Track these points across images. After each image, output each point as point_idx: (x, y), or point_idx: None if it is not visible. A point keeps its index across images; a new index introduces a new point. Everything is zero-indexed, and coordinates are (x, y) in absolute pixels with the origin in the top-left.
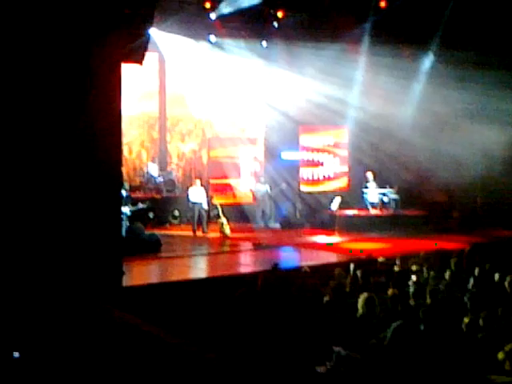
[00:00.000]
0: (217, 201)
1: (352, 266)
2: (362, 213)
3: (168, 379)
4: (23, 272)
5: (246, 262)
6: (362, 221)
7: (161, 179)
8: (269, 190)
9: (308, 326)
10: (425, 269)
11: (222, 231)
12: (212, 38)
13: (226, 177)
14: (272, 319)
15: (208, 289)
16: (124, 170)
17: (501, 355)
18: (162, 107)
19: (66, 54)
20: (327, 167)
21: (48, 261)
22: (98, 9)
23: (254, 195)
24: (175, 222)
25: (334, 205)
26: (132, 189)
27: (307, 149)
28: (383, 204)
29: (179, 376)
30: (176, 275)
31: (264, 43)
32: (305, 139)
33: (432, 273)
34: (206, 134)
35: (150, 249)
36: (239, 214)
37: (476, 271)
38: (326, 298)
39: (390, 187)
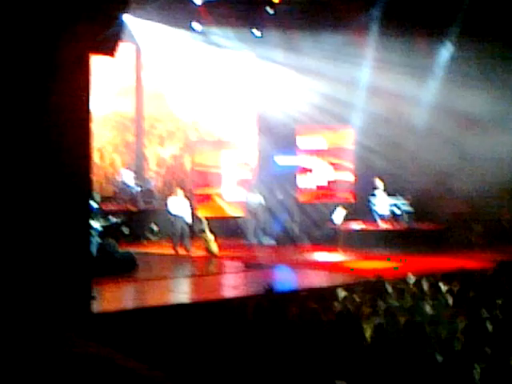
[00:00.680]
0: (202, 214)
1: (358, 288)
2: (370, 227)
3: None
4: None
5: (236, 285)
6: (369, 236)
7: (137, 189)
8: (262, 201)
9: (307, 357)
10: (443, 291)
11: (207, 249)
12: (196, 26)
13: (212, 186)
14: (265, 350)
15: (191, 316)
16: (94, 178)
17: None
18: (138, 106)
19: (24, 43)
20: (329, 173)
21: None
22: None
23: (245, 207)
24: (153, 238)
25: (338, 217)
26: (103, 200)
27: (306, 153)
28: (394, 216)
29: None
30: (154, 300)
31: (256, 32)
32: (303, 142)
33: (451, 296)
34: (190, 137)
35: (125, 269)
36: (228, 228)
37: (503, 294)
38: (328, 326)
39: (403, 197)
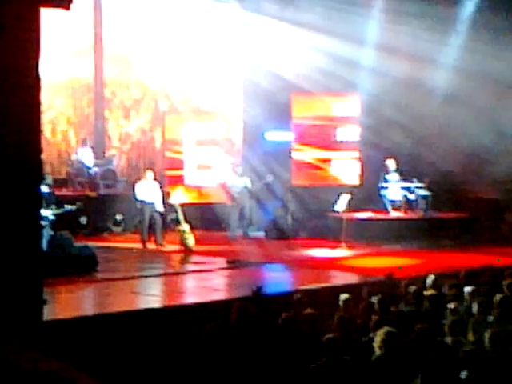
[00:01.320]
0: (176, 200)
1: (365, 290)
2: (380, 216)
3: None
4: None
5: (217, 286)
6: (379, 227)
7: (96, 170)
8: (249, 185)
9: (304, 373)
10: (467, 294)
11: (183, 242)
12: None
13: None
14: (252, 365)
15: (163, 323)
16: (44, 157)
17: None
18: (97, 69)
19: None
20: (330, 151)
21: None
22: None
23: (227, 192)
24: (117, 229)
25: (341, 205)
26: (56, 183)
27: (302, 126)
28: (409, 203)
29: None
30: (118, 304)
31: None
32: (299, 112)
33: (477, 299)
34: (160, 108)
35: (82, 267)
36: (208, 218)
37: None
38: (328, 335)
39: (419, 180)
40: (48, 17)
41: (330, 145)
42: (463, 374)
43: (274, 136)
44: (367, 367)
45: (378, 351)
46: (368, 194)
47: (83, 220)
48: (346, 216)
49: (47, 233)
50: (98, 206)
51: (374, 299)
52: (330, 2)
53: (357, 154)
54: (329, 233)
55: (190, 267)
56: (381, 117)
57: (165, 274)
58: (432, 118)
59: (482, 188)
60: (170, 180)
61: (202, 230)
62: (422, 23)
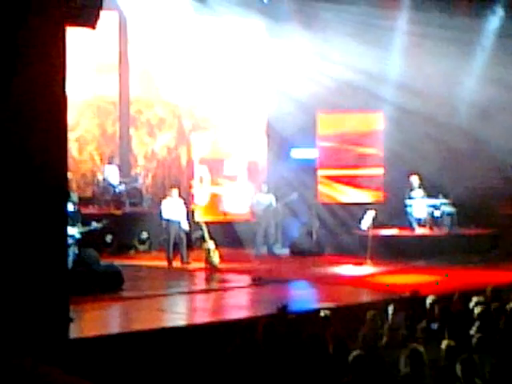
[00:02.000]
0: (201, 218)
1: (391, 307)
2: (405, 233)
3: None
4: None
5: (243, 304)
6: (404, 244)
7: (122, 188)
8: (274, 203)
9: None
10: (494, 311)
11: (208, 260)
12: None
13: (213, 184)
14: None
15: (189, 341)
16: (71, 175)
17: None
18: (122, 88)
19: None
20: (355, 169)
21: None
22: None
23: (253, 210)
24: (143, 247)
25: (365, 222)
26: (81, 202)
27: (327, 143)
28: (434, 220)
29: None
30: (144, 322)
31: None
32: (324, 129)
33: (503, 317)
34: (185, 126)
35: (108, 285)
36: (233, 236)
37: None
38: (354, 353)
39: (444, 197)
40: (74, 35)
41: (355, 162)
42: None
43: (300, 153)
44: None
45: (404, 369)
46: (393, 210)
47: (109, 238)
48: (371, 233)
49: (73, 251)
50: (123, 224)
51: (400, 316)
52: (356, 17)
53: (381, 171)
54: (354, 250)
55: (216, 285)
56: (406, 133)
57: (190, 292)
58: (453, 132)
59: (507, 204)
60: (196, 198)
61: (227, 248)
62: (447, 36)
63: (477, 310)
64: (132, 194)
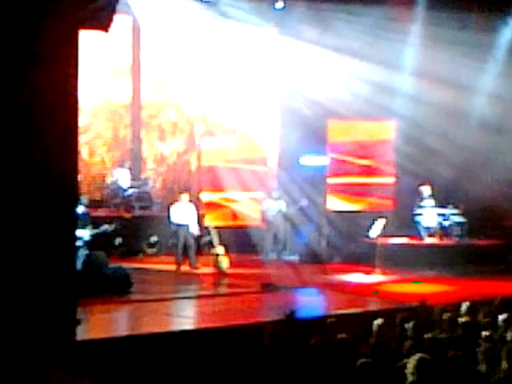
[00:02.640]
0: (210, 223)
1: (399, 316)
2: (414, 242)
3: None
4: None
5: (250, 309)
6: (413, 253)
7: (132, 192)
8: (283, 209)
9: None
10: (501, 321)
11: (216, 265)
12: None
13: (223, 189)
14: None
15: (196, 345)
16: (81, 178)
17: None
18: (135, 92)
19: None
20: (365, 177)
21: None
22: None
23: (262, 216)
24: (151, 251)
25: (375, 230)
26: (91, 204)
27: (338, 150)
28: (444, 230)
29: None
30: (151, 326)
31: (279, 4)
32: (335, 137)
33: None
34: (196, 131)
35: (116, 288)
36: (242, 241)
37: None
38: (361, 360)
39: (454, 206)
40: (87, 39)
41: (366, 170)
42: None
43: (310, 161)
44: None
45: (410, 377)
46: (403, 219)
47: (118, 241)
48: (380, 241)
49: (82, 253)
50: (132, 227)
51: (408, 325)
52: (368, 28)
53: (392, 180)
54: (363, 258)
55: (224, 290)
56: (416, 143)
57: (198, 297)
58: (463, 144)
59: None
60: (205, 203)
61: (236, 253)
62: (458, 49)
63: (484, 321)
64: (142, 197)
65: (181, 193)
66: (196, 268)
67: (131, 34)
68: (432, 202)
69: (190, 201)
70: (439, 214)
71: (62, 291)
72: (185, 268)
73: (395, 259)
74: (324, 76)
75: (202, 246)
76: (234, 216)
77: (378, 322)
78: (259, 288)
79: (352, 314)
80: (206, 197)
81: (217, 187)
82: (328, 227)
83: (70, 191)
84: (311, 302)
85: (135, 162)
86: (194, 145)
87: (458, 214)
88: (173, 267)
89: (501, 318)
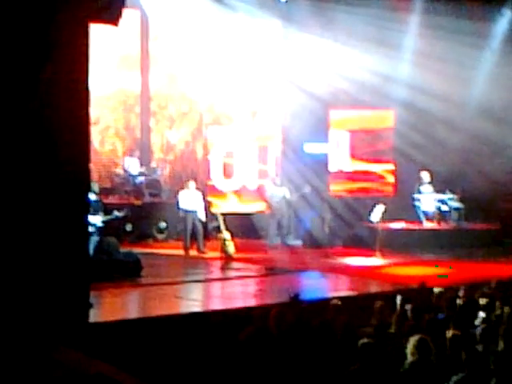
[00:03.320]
0: (217, 209)
1: (399, 298)
2: (413, 226)
3: None
4: None
5: (256, 292)
6: (412, 237)
7: (141, 179)
8: (287, 195)
9: (339, 377)
10: (497, 302)
11: (223, 250)
12: None
13: (228, 177)
14: (289, 369)
15: (203, 327)
16: (92, 166)
17: None
18: (144, 83)
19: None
20: (366, 163)
21: None
22: None
23: (267, 202)
24: (161, 236)
25: (375, 215)
26: (103, 192)
27: (339, 137)
28: (442, 214)
29: None
30: (161, 308)
31: None
32: (336, 125)
33: (507, 308)
34: (204, 120)
35: (127, 272)
36: (247, 226)
37: None
38: (363, 341)
39: (452, 192)
40: (97, 31)
41: (366, 157)
42: (493, 382)
43: (312, 148)
44: (400, 372)
45: (410, 357)
46: (402, 204)
47: (129, 227)
48: (380, 226)
49: (94, 239)
50: (142, 213)
51: (408, 307)
52: (369, 18)
53: (392, 166)
54: (364, 242)
55: (231, 274)
56: (416, 130)
57: (206, 280)
58: (460, 131)
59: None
60: (212, 190)
61: (242, 238)
62: (456, 38)
63: (481, 302)
64: (151, 185)
65: (188, 180)
66: (203, 253)
67: (140, 26)
68: (431, 187)
69: (197, 188)
70: (438, 200)
71: (75, 276)
72: (193, 253)
73: (395, 243)
74: (326, 66)
75: (209, 232)
76: (240, 202)
77: (379, 303)
78: (264, 272)
79: (354, 296)
80: (212, 183)
81: (222, 175)
82: (330, 213)
83: (82, 179)
84: (314, 285)
85: (144, 150)
86: (201, 134)
87: (455, 199)
88: (181, 252)
89: (497, 299)
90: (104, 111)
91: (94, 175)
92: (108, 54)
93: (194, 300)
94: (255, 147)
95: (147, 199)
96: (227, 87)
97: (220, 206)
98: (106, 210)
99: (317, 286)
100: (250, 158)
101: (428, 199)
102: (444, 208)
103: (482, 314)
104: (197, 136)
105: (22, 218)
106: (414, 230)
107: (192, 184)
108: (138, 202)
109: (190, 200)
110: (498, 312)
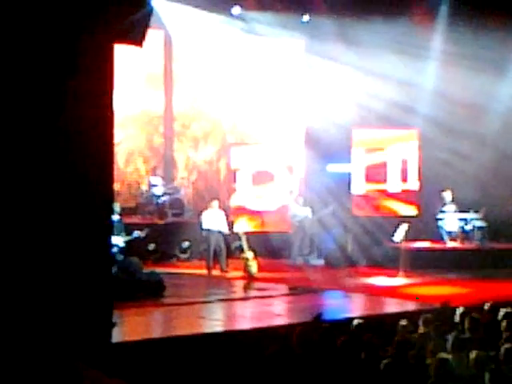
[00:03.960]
0: (240, 229)
1: (422, 317)
2: (437, 246)
3: None
4: None
5: (279, 312)
6: (435, 256)
7: (165, 199)
8: (310, 215)
9: None
10: None
11: (246, 269)
12: (235, 10)
13: (255, 196)
14: None
15: (227, 347)
16: (117, 187)
17: None
18: (168, 103)
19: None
20: (391, 183)
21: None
22: None
23: (290, 221)
24: (184, 256)
25: (399, 235)
26: (125, 211)
27: (363, 159)
28: (465, 234)
29: None
30: (184, 328)
31: (305, 17)
32: (360, 146)
33: None
34: (227, 139)
35: (150, 292)
36: (270, 246)
37: None
38: (386, 361)
39: (475, 211)
40: (122, 53)
41: (390, 176)
42: None
43: (336, 168)
44: None
45: (433, 377)
46: (425, 224)
47: (152, 247)
48: (404, 245)
49: (118, 259)
50: (165, 233)
51: (431, 326)
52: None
53: (416, 186)
54: (387, 261)
55: (253, 293)
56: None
57: (228, 300)
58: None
59: None
60: (235, 210)
61: (265, 258)
62: (481, 54)
63: (505, 322)
64: (174, 204)
65: (211, 200)
66: (226, 272)
67: (163, 46)
68: (453, 207)
69: (221, 207)
70: (461, 219)
71: (99, 295)
72: (216, 272)
73: (418, 263)
74: (350, 85)
75: (232, 251)
76: (263, 222)
77: (403, 322)
78: (287, 291)
79: (377, 315)
80: (235, 202)
81: (246, 193)
82: (353, 232)
83: (106, 199)
84: (338, 305)
85: (168, 170)
86: (225, 153)
87: (478, 219)
88: (204, 272)
89: None
90: (128, 131)
91: (119, 195)
92: (132, 75)
93: (216, 320)
94: (280, 167)
95: (170, 219)
96: (250, 107)
97: (243, 226)
98: (128, 230)
99: (340, 305)
100: (274, 178)
101: (451, 218)
102: (467, 227)
103: (505, 334)
104: (221, 156)
105: (48, 238)
106: (438, 249)
107: (215, 203)
108: (160, 222)
109: (213, 219)
110: None
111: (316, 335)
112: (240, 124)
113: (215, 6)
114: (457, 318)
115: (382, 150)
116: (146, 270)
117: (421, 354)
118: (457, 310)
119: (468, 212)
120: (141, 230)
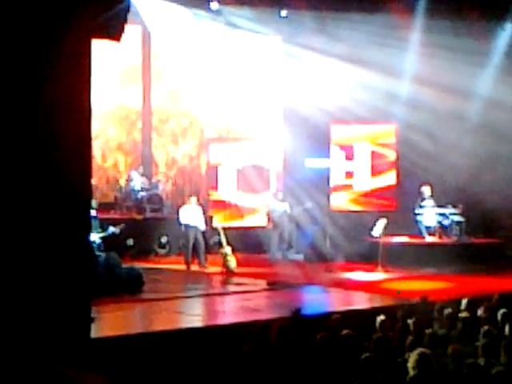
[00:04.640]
0: (219, 223)
1: (400, 312)
2: (415, 240)
3: None
4: None
5: (258, 307)
6: (414, 251)
7: (143, 194)
8: (288, 210)
9: None
10: (500, 316)
11: (225, 264)
12: (213, 5)
13: (230, 191)
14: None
15: (205, 342)
16: (95, 182)
17: None
18: (146, 98)
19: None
20: (368, 178)
21: None
22: None
23: (268, 216)
24: (162, 251)
25: (377, 230)
26: (104, 207)
27: (341, 153)
28: (443, 229)
29: None
30: (162, 323)
31: (283, 13)
32: (337, 140)
33: (509, 322)
34: (205, 135)
35: (129, 288)
36: (249, 241)
37: None
38: (364, 355)
39: (453, 206)
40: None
41: (368, 172)
42: None
43: (314, 163)
44: None
45: (411, 372)
46: (404, 219)
47: (130, 242)
48: (382, 240)
49: (95, 254)
50: (144, 228)
51: (409, 321)
52: (369, 35)
53: (393, 181)
54: (366, 256)
55: (232, 288)
56: (418, 145)
57: (207, 295)
58: (468, 147)
59: None
60: (213, 204)
61: (243, 253)
62: (456, 54)
63: (483, 316)
64: (153, 200)
65: (190, 195)
66: (205, 267)
67: (141, 42)
68: (432, 202)
69: (199, 203)
70: (439, 214)
71: (77, 291)
72: (194, 267)
73: (397, 257)
74: (326, 81)
75: (210, 246)
76: (241, 215)
77: (381, 318)
78: (266, 286)
79: (355, 310)
80: (213, 197)
81: (224, 188)
82: (332, 227)
83: (85, 194)
84: (316, 300)
85: (147, 165)
86: (204, 149)
87: (456, 214)
88: (183, 267)
89: (499, 313)
90: (106, 126)
91: (97, 190)
92: (109, 70)
93: (195, 315)
94: (257, 162)
95: (149, 214)
96: (228, 102)
97: (221, 220)
98: (103, 226)
99: (318, 300)
100: (252, 173)
101: (429, 213)
102: (445, 222)
103: (483, 328)
104: (200, 151)
105: (25, 234)
106: (416, 244)
107: (193, 199)
108: (139, 217)
109: (191, 215)
110: (500, 326)
111: (295, 330)
112: (219, 119)
113: (193, 1)
114: (435, 313)
115: (359, 145)
116: (125, 265)
117: (399, 349)
118: (435, 304)
119: (446, 207)
120: (117, 225)
